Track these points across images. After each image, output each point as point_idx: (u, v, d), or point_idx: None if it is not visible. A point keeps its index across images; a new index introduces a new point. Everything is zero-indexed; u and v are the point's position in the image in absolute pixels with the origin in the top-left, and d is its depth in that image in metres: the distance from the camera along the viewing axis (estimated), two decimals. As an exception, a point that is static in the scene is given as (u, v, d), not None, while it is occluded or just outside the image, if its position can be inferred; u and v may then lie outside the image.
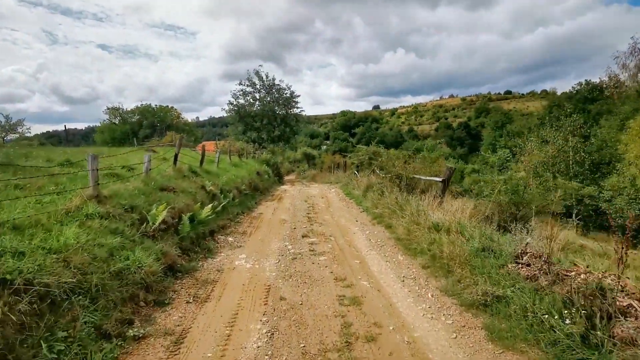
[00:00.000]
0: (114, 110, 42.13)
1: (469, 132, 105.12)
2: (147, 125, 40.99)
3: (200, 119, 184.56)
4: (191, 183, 8.99)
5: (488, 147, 40.79)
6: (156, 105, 45.01)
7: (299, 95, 36.35)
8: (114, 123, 41.95)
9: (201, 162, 11.41)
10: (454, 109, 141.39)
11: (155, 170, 8.75)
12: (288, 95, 36.14)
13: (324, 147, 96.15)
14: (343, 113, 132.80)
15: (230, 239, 7.56)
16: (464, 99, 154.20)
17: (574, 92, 31.27)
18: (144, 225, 5.40)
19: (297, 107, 37.03)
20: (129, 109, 43.21)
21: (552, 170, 21.15)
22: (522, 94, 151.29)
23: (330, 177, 24.99)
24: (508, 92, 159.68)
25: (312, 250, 6.65)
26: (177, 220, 6.39)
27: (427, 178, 10.01)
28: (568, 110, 27.06)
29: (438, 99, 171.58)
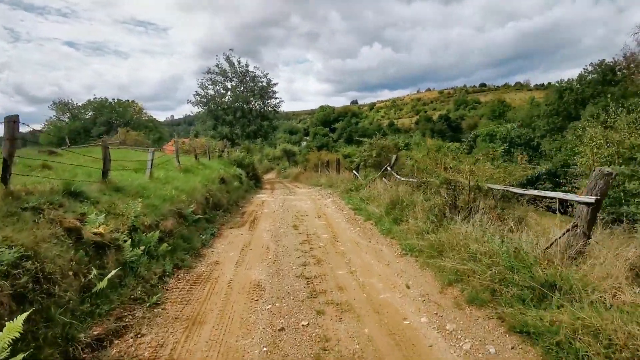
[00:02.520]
0: (62, 106, 35.60)
1: (449, 125, 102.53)
2: (103, 122, 34.76)
3: (176, 117, 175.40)
4: (44, 227, 3.86)
5: (485, 137, 36.85)
6: (114, 99, 38.69)
7: (276, 84, 31.09)
8: (60, 120, 35.46)
9: (103, 172, 6.16)
10: (432, 102, 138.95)
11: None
12: (264, 84, 30.85)
13: (304, 143, 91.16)
14: (322, 108, 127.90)
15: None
16: (441, 92, 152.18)
17: (586, 74, 27.71)
18: None
19: (275, 98, 31.81)
20: (80, 104, 36.75)
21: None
22: (498, 87, 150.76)
23: (319, 178, 20.06)
24: (483, 85, 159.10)
25: None
26: None
27: (537, 193, 5.10)
28: (587, 93, 22.96)
29: (415, 92, 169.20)
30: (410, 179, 8.86)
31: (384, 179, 11.40)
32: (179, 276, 4.96)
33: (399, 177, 10.03)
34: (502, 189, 5.67)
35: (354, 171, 14.38)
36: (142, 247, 4.80)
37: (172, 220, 6.34)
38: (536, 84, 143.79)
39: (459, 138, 78.54)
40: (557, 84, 30.06)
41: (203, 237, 6.94)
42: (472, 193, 6.18)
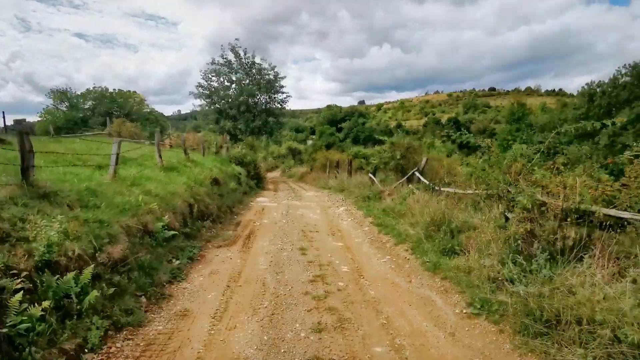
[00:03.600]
0: (60, 94, 33.79)
1: (458, 128, 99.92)
2: (101, 112, 32.89)
3: (183, 111, 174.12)
4: None
5: (502, 142, 34.61)
6: (114, 89, 36.83)
7: (284, 78, 29.04)
8: (58, 108, 33.64)
9: (23, 170, 4.12)
10: (440, 104, 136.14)
11: None
12: (271, 77, 28.80)
13: (310, 141, 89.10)
14: (329, 107, 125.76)
15: None
16: (450, 95, 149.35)
17: (620, 76, 25.41)
18: None
19: (282, 92, 29.75)
20: (79, 93, 34.90)
21: None
22: (507, 91, 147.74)
23: (328, 180, 18.01)
24: (492, 89, 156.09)
25: None
26: None
27: None
28: (622, 97, 20.69)
29: (423, 94, 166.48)
30: (455, 190, 6.78)
31: (409, 185, 9.33)
32: (111, 350, 2.95)
33: (430, 184, 7.96)
34: (631, 217, 3.61)
35: (370, 174, 12.32)
36: (49, 302, 2.80)
37: (127, 241, 4.33)
38: (547, 90, 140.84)
39: (467, 142, 76.17)
40: (585, 86, 27.84)
41: (175, 264, 4.95)
42: (568, 219, 4.11)
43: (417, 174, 9.24)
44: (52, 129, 18.76)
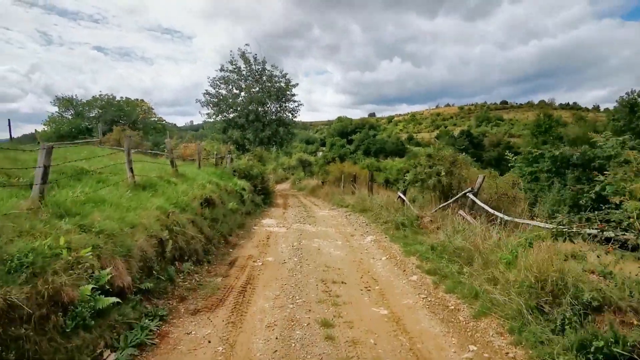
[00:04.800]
0: (65, 102, 32.40)
1: (471, 141, 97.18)
2: (107, 121, 31.34)
3: (195, 122, 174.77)
4: None
5: (526, 155, 31.94)
6: (122, 97, 35.41)
7: (295, 85, 27.11)
8: (63, 116, 32.21)
9: None
10: (452, 117, 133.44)
11: None
12: (282, 85, 26.89)
13: (320, 153, 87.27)
14: (340, 119, 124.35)
15: None
16: (461, 108, 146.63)
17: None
18: None
19: (294, 101, 27.77)
20: (84, 101, 33.45)
21: None
22: (520, 104, 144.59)
23: (344, 196, 15.74)
24: (504, 102, 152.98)
25: None
26: None
27: None
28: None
29: (434, 107, 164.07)
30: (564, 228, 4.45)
31: (460, 212, 7.01)
32: None
33: (507, 216, 5.63)
34: None
35: (399, 194, 10.01)
36: None
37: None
38: (560, 103, 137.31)
39: (480, 155, 73.21)
40: (625, 96, 25.20)
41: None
42: None
43: (470, 196, 6.92)
44: (38, 136, 16.96)
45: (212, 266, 5.54)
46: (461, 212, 6.98)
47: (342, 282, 4.89)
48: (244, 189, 11.28)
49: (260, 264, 5.77)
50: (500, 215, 5.82)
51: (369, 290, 4.66)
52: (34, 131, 35.16)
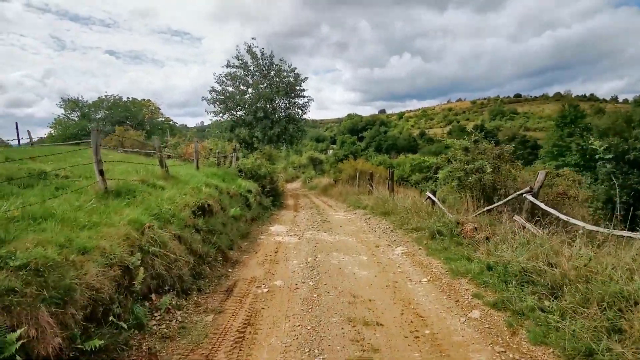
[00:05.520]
0: (71, 103, 31.72)
1: (485, 135, 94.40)
2: (113, 121, 30.54)
3: (205, 123, 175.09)
4: None
5: (552, 149, 29.89)
6: (128, 98, 34.63)
7: (305, 79, 25.73)
8: (69, 118, 31.55)
9: None
10: (464, 112, 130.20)
11: None
12: (291, 79, 25.54)
13: (331, 151, 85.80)
14: (350, 116, 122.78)
15: None
16: (474, 102, 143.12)
17: None
18: None
19: (304, 97, 26.39)
20: (90, 102, 32.70)
21: None
22: (535, 97, 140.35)
23: (360, 196, 14.34)
24: (518, 95, 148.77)
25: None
26: None
27: None
28: None
29: (445, 102, 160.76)
30: None
31: (516, 217, 5.56)
32: None
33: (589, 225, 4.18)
34: None
35: (428, 194, 8.57)
36: None
37: None
38: (577, 95, 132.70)
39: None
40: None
41: None
42: None
43: (529, 197, 5.45)
44: (30, 135, 15.98)
45: (203, 296, 4.23)
46: (517, 217, 5.53)
47: (378, 324, 3.51)
48: (249, 191, 9.99)
49: (266, 290, 4.44)
50: (581, 223, 4.35)
51: (417, 338, 3.26)
52: (44, 135, 34.72)
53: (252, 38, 26.73)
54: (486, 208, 6.43)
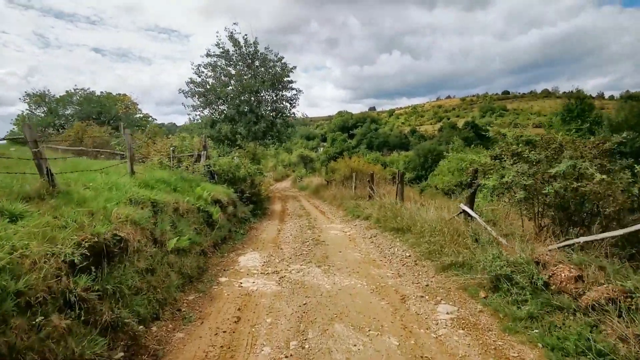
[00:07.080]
0: (36, 98, 28.35)
1: (476, 132, 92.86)
2: (82, 117, 27.32)
3: (194, 120, 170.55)
4: None
5: (557, 145, 27.70)
6: (102, 92, 31.40)
7: (293, 69, 22.96)
8: (34, 114, 28.22)
9: None
10: (453, 109, 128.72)
11: None
12: (278, 69, 22.75)
13: (322, 148, 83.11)
14: (340, 114, 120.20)
15: None
16: (463, 99, 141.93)
17: None
18: None
19: (292, 89, 23.62)
20: (58, 96, 29.33)
21: None
22: (523, 94, 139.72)
23: (358, 200, 11.78)
24: (506, 92, 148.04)
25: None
26: None
27: None
28: None
29: (435, 99, 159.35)
30: None
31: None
32: None
33: None
34: None
35: (462, 206, 6.02)
36: None
37: None
38: (564, 92, 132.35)
39: (488, 146, 69.09)
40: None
41: None
42: None
43: None
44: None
45: None
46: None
47: None
48: (216, 202, 7.30)
49: None
50: None
51: None
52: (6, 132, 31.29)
53: (234, 23, 23.88)
54: (581, 239, 3.87)
